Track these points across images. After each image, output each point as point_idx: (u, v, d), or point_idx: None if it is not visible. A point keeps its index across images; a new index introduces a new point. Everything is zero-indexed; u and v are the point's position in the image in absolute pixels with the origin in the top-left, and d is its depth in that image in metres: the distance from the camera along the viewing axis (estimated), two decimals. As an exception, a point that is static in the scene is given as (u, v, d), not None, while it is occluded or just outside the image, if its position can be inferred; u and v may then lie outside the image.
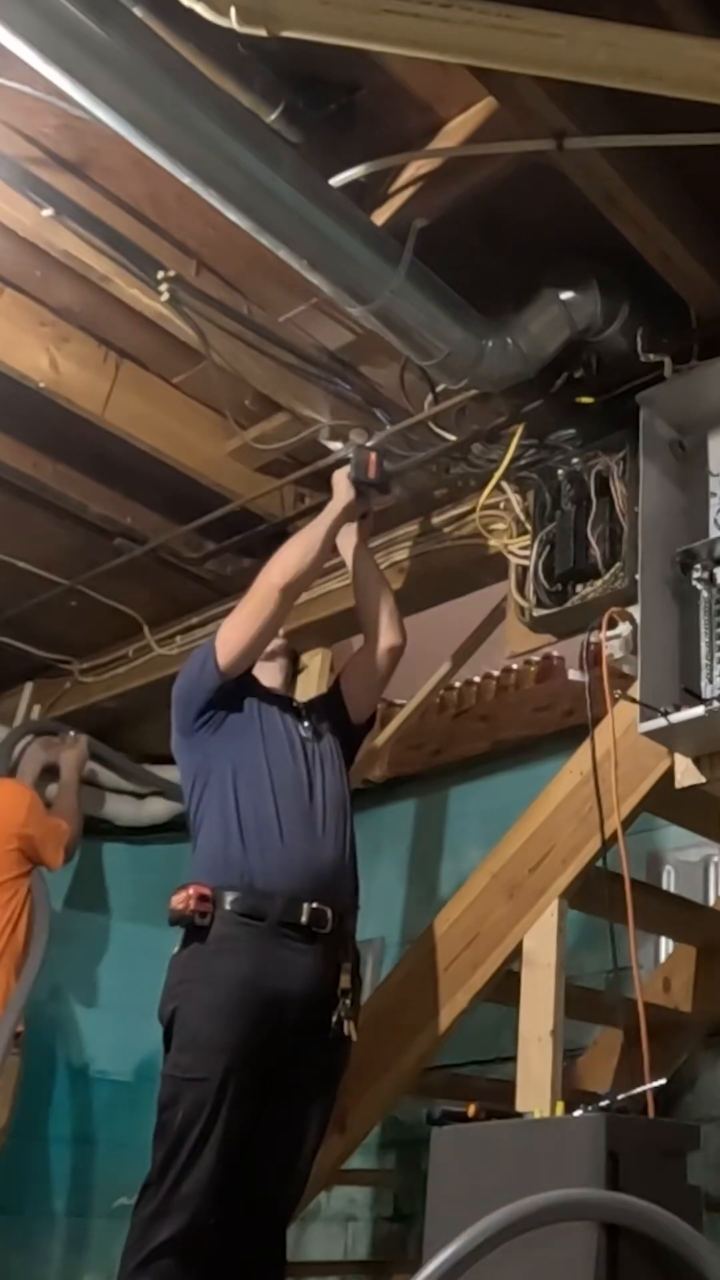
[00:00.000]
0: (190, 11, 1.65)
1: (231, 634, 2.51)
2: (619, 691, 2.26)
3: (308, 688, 3.16)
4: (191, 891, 2.31)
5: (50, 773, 3.92)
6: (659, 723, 2.16)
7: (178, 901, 2.32)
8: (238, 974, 2.26)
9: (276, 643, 2.72)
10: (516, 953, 2.49)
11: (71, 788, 3.84)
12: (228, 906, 2.30)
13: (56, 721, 4.06)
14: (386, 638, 2.72)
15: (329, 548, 2.66)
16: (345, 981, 2.37)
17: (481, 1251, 1.38)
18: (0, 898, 3.40)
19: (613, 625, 2.39)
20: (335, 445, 2.83)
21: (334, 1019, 2.34)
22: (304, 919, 2.32)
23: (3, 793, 3.62)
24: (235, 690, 2.54)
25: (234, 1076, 2.20)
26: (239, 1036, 2.23)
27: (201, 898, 2.30)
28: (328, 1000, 2.34)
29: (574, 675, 3.66)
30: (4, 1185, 3.95)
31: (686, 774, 2.30)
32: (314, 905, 2.33)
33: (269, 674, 2.68)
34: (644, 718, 2.17)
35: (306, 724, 2.62)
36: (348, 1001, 2.36)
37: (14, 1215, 3.98)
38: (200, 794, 2.48)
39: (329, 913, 2.35)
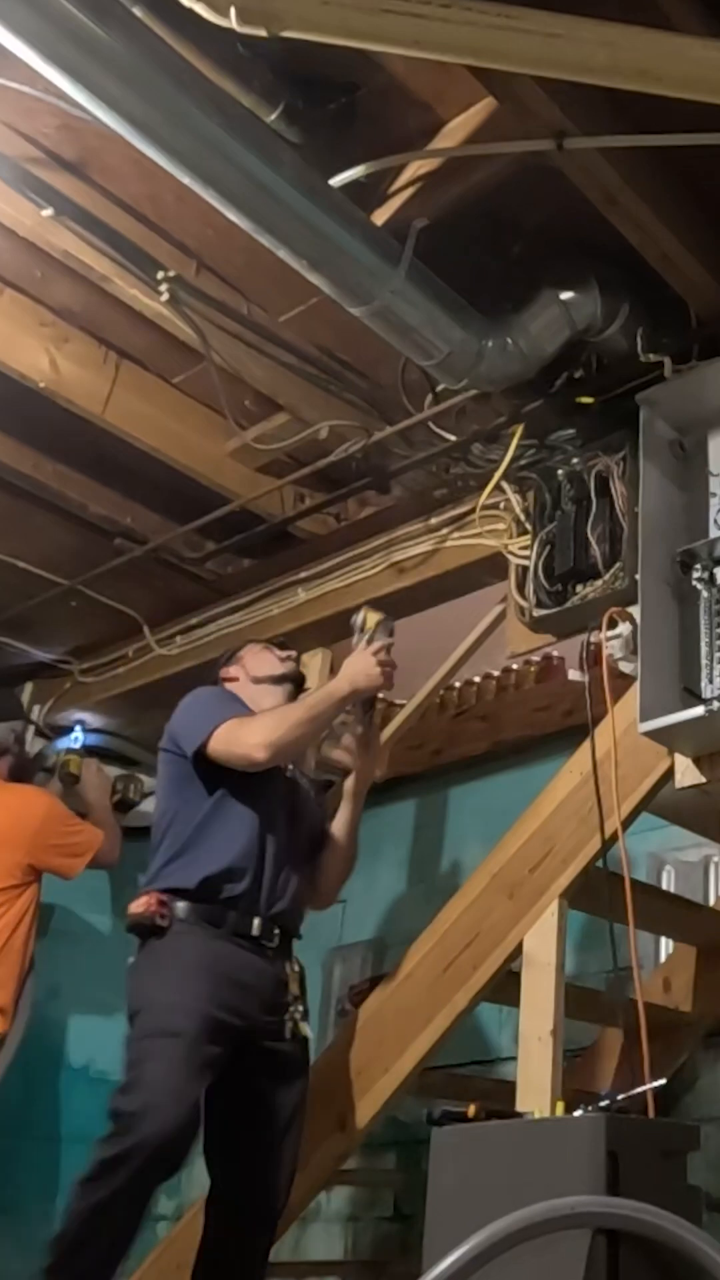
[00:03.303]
0: (190, 11, 1.65)
1: (218, 748, 2.46)
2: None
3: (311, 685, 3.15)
4: (151, 896, 2.39)
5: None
6: (659, 722, 2.16)
7: (137, 906, 2.39)
8: (197, 957, 2.35)
9: (288, 666, 2.74)
10: (516, 953, 2.49)
11: (101, 808, 3.83)
12: (181, 914, 2.38)
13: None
14: (313, 899, 2.68)
15: (325, 727, 2.57)
16: (295, 987, 2.47)
17: (487, 1257, 1.38)
18: None
19: (613, 625, 2.40)
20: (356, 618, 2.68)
21: (287, 1018, 2.43)
22: (255, 931, 2.41)
23: (21, 800, 3.59)
24: None
25: (205, 1038, 2.26)
26: (207, 1002, 2.29)
27: (160, 901, 2.38)
28: (279, 997, 2.43)
29: (574, 675, 3.66)
30: (4, 1185, 3.95)
31: (686, 774, 2.30)
32: (262, 920, 2.42)
33: (272, 698, 2.66)
34: (644, 717, 2.18)
35: (298, 783, 2.66)
36: (299, 1007, 2.46)
37: (14, 1215, 3.98)
38: (178, 808, 2.51)
39: (276, 930, 2.45)
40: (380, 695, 2.76)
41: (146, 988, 2.35)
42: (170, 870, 2.44)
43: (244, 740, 2.46)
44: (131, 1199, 2.20)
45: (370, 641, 2.53)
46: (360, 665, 2.50)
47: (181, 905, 2.38)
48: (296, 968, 2.50)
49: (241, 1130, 2.37)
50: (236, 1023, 2.33)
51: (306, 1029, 2.48)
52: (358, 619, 2.61)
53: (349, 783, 2.68)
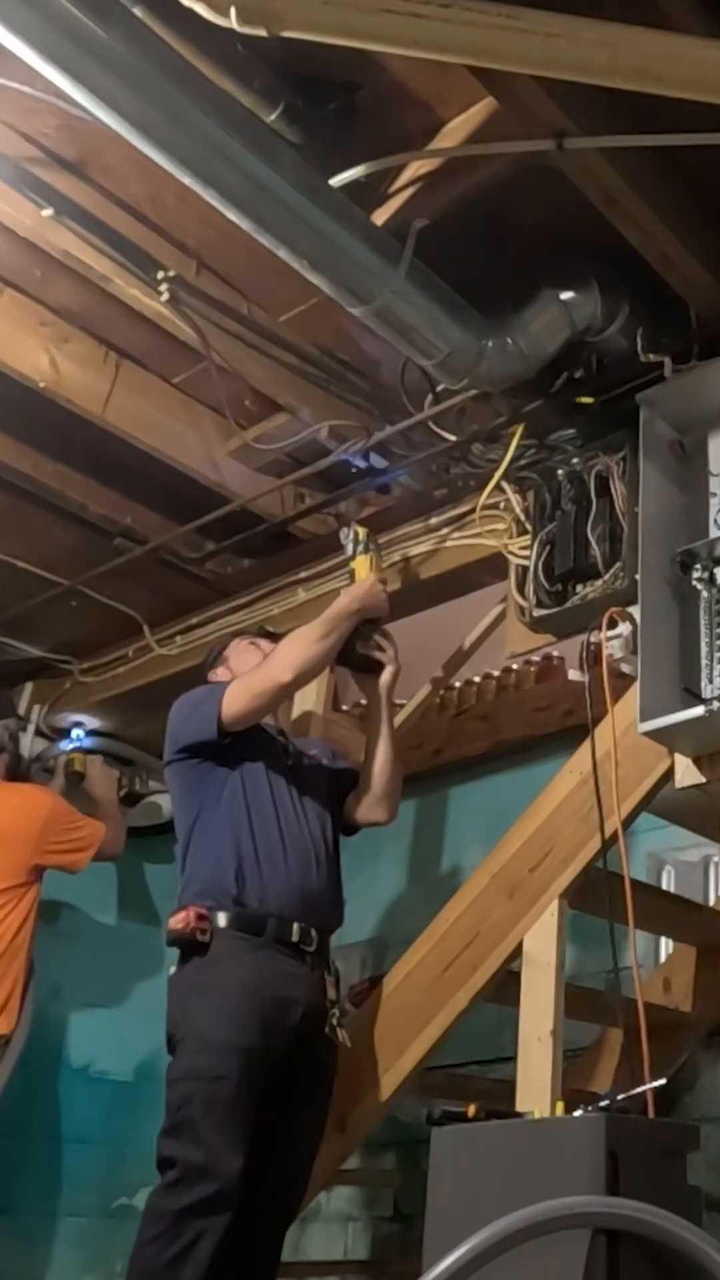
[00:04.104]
0: (190, 11, 1.65)
1: (238, 703, 2.53)
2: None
3: (307, 688, 3.16)
4: (191, 911, 2.40)
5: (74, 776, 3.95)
6: (659, 722, 2.16)
7: (177, 922, 2.41)
8: (243, 980, 2.36)
9: None
10: (516, 953, 2.49)
11: (108, 801, 3.87)
12: (222, 924, 2.40)
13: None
14: (374, 812, 2.74)
15: (340, 643, 2.64)
16: (331, 992, 2.50)
17: (487, 1258, 1.38)
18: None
19: (613, 625, 2.39)
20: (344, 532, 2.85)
21: (327, 1026, 2.47)
22: (294, 937, 2.44)
23: (24, 799, 3.61)
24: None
25: (250, 1074, 2.28)
26: (251, 1037, 2.32)
27: (200, 916, 2.40)
28: (320, 1007, 2.46)
29: (574, 675, 3.66)
30: (4, 1185, 3.95)
31: (686, 774, 2.30)
32: (301, 925, 2.45)
33: None
34: (644, 717, 2.17)
35: (299, 757, 2.70)
36: (336, 1011, 2.50)
37: (14, 1215, 3.98)
38: (196, 818, 2.55)
39: (314, 932, 2.47)
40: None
41: (189, 1014, 2.36)
42: (201, 876, 2.47)
43: (263, 675, 2.55)
44: (208, 1249, 2.16)
45: (366, 551, 2.75)
46: (367, 585, 2.70)
47: (222, 916, 2.40)
48: (333, 971, 2.53)
49: (271, 1130, 2.36)
50: (280, 1045, 2.35)
51: (343, 1035, 2.51)
52: (348, 532, 2.80)
53: (382, 683, 2.75)
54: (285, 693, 2.60)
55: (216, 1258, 2.17)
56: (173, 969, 2.45)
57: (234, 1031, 2.30)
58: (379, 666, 2.74)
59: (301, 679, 2.60)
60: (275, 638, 2.87)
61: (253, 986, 2.35)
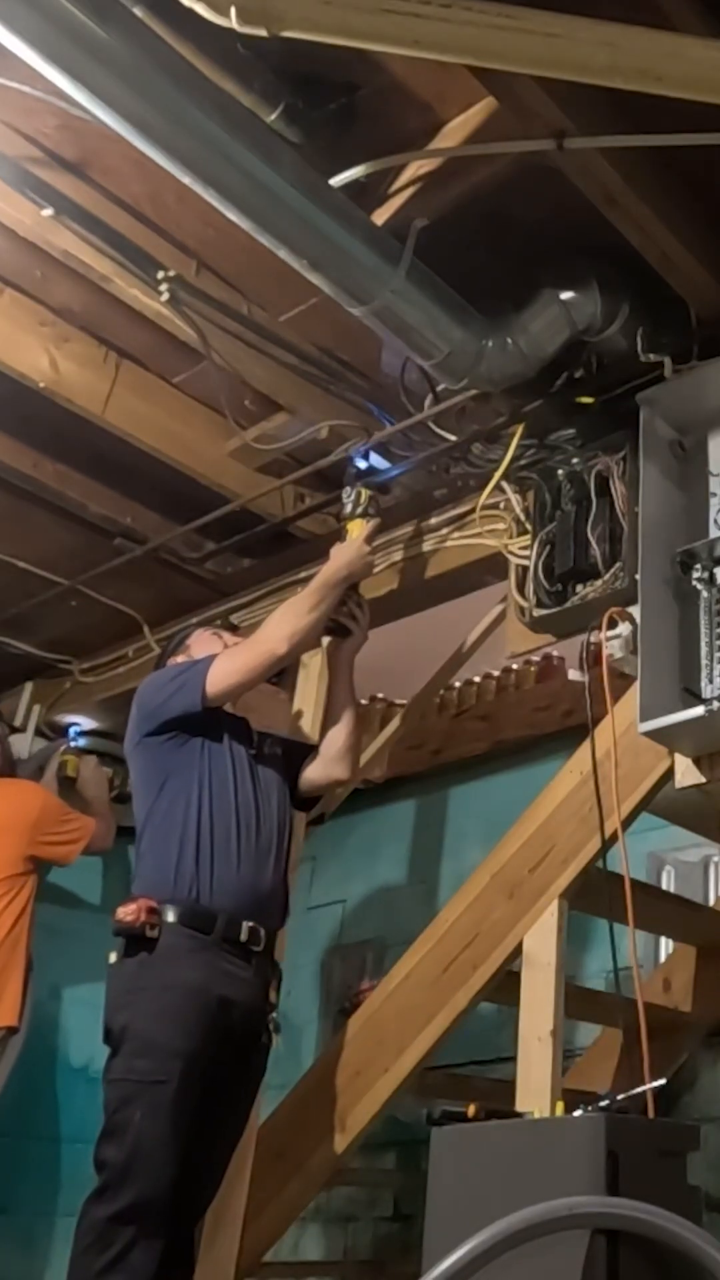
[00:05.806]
0: (190, 11, 1.65)
1: (227, 676, 2.51)
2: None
3: (307, 687, 3.17)
4: (141, 904, 2.36)
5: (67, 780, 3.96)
6: (659, 722, 2.16)
7: (126, 914, 2.36)
8: (189, 981, 2.32)
9: None
10: (516, 953, 2.49)
11: (100, 801, 3.89)
12: (171, 919, 2.36)
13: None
14: (334, 769, 2.72)
15: (329, 612, 2.65)
16: (273, 996, 2.48)
17: (487, 1258, 1.38)
18: None
19: (613, 625, 2.39)
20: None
21: (266, 1030, 2.45)
22: (243, 937, 2.40)
23: (18, 792, 3.66)
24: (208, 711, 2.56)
25: (189, 1079, 2.26)
26: (193, 1041, 2.28)
27: (150, 910, 2.35)
28: (260, 1009, 2.44)
29: (574, 675, 3.67)
30: (4, 1185, 3.95)
31: (686, 774, 2.30)
32: (251, 925, 2.41)
33: None
34: (644, 717, 2.17)
35: (261, 749, 2.66)
36: (274, 1015, 2.47)
37: (14, 1215, 3.98)
38: (154, 802, 2.51)
39: (262, 932, 2.44)
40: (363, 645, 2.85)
41: (132, 1011, 2.33)
42: (154, 865, 2.44)
43: (256, 648, 2.53)
44: (141, 1259, 2.14)
45: (364, 516, 2.74)
46: (356, 552, 2.68)
47: (171, 911, 2.36)
48: (276, 974, 2.50)
49: (198, 1130, 2.32)
50: (219, 1048, 2.33)
51: (276, 1039, 2.49)
52: (351, 491, 2.79)
53: (346, 648, 2.78)
54: (279, 664, 2.58)
55: (154, 1270, 2.13)
56: (113, 957, 2.40)
57: (178, 1034, 2.27)
58: (346, 632, 2.76)
59: (295, 650, 2.59)
60: (238, 630, 2.87)
61: (199, 988, 2.31)
